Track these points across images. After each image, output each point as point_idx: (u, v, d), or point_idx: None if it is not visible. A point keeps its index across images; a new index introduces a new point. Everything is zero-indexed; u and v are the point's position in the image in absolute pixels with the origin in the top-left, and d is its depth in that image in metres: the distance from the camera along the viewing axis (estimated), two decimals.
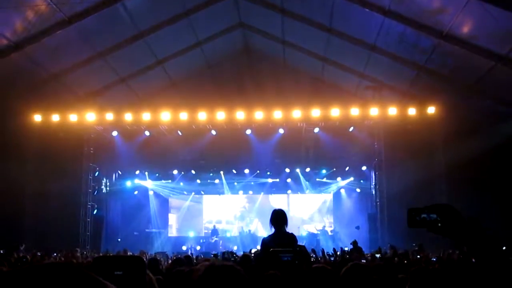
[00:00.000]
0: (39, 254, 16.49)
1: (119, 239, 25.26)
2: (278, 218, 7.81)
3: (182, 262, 10.22)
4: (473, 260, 2.59)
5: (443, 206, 2.72)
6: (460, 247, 11.76)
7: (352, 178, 26.43)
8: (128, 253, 17.76)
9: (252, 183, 27.37)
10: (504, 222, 18.50)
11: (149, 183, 27.29)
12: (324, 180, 27.04)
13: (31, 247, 18.43)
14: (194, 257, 14.59)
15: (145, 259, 15.23)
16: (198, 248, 25.61)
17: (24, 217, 21.42)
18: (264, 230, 24.72)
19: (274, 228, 7.77)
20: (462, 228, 2.61)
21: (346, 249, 16.39)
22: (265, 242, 7.76)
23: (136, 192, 27.40)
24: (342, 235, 25.18)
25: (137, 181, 27.17)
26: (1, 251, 17.19)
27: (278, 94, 22.22)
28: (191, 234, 27.39)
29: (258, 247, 13.22)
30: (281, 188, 27.56)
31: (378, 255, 13.10)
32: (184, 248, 25.66)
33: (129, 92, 23.58)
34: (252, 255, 12.63)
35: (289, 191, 27.77)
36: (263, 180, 27.34)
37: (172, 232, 28.10)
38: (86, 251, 20.40)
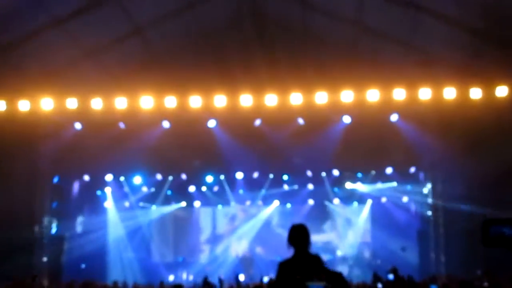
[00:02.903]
0: None
1: (83, 265, 25.32)
2: (299, 235, 7.83)
3: None
4: None
5: None
6: None
7: (395, 184, 26.48)
8: None
9: (264, 190, 27.54)
10: None
11: (125, 192, 27.43)
12: (359, 186, 27.12)
13: None
14: None
15: None
16: (190, 278, 25.65)
17: None
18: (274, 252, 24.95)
19: (294, 248, 7.82)
20: None
21: (390, 276, 16.44)
22: (282, 267, 7.78)
23: (107, 204, 27.54)
24: (383, 259, 25.14)
25: (108, 189, 27.34)
26: None
27: (297, 72, 22.13)
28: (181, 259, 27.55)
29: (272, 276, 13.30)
30: (300, 196, 27.64)
31: (434, 286, 13.00)
32: (171, 278, 25.73)
33: (99, 71, 23.37)
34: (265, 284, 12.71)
35: (310, 201, 27.78)
36: (277, 187, 27.47)
37: (156, 256, 28.17)
38: (43, 280, 20.46)
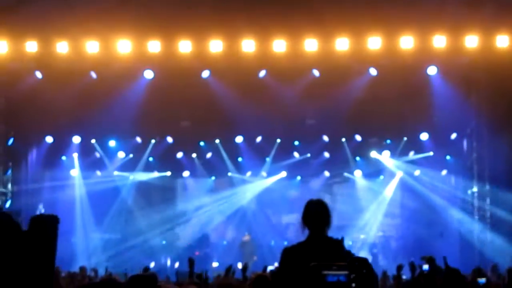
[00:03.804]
0: None
1: None
2: (317, 214, 7.72)
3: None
4: None
5: None
6: None
7: (432, 153, 26.33)
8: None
9: (268, 159, 27.51)
10: None
11: (97, 158, 27.46)
12: (386, 156, 27.07)
13: None
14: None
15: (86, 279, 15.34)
16: (176, 265, 25.67)
17: None
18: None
19: (309, 230, 7.69)
20: None
21: (425, 266, 16.26)
22: (290, 253, 7.70)
23: (73, 173, 27.44)
24: (414, 246, 25.08)
25: (75, 155, 27.21)
26: None
27: (312, 12, 21.82)
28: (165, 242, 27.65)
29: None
30: (314, 167, 27.69)
31: (482, 280, 12.81)
32: (152, 265, 25.70)
33: (65, 8, 23.14)
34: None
35: (326, 173, 27.75)
36: (285, 155, 27.38)
37: (133, 238, 28.18)
38: None
